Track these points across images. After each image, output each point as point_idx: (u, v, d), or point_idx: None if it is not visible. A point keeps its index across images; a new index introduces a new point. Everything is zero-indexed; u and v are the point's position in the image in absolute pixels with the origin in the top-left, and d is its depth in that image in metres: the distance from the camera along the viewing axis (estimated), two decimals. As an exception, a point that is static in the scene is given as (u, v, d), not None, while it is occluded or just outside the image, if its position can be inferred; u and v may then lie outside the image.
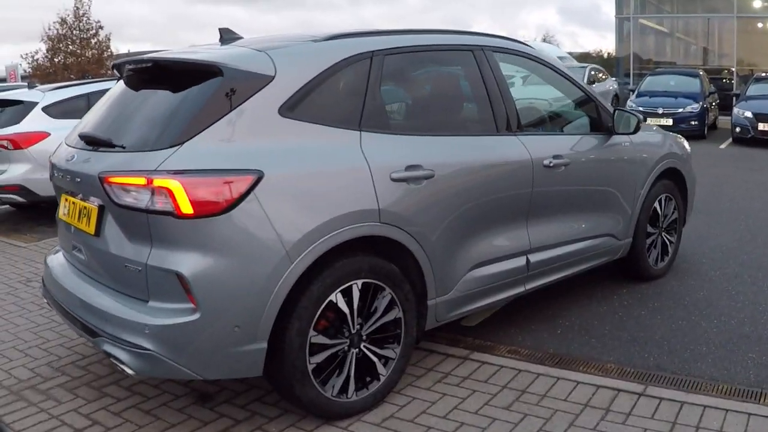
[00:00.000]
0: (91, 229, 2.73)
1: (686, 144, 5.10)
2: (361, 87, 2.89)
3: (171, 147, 2.46)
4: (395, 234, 2.84)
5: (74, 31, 38.70)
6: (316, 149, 2.68)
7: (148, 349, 2.43)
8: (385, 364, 2.93)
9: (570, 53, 25.99)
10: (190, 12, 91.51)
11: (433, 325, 3.18)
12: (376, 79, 2.95)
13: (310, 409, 2.73)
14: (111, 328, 2.55)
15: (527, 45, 3.88)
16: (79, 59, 39.10)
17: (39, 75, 38.90)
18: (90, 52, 39.50)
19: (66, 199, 2.98)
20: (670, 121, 12.86)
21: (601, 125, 4.10)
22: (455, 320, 3.80)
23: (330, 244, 2.62)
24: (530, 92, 4.67)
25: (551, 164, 3.57)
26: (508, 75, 3.69)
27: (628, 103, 14.26)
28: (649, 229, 4.56)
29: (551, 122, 4.32)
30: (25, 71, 39.19)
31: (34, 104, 6.55)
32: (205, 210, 2.40)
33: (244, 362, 2.52)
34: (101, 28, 39.05)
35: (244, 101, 2.57)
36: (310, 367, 2.65)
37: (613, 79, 19.94)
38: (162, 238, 2.45)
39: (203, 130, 2.49)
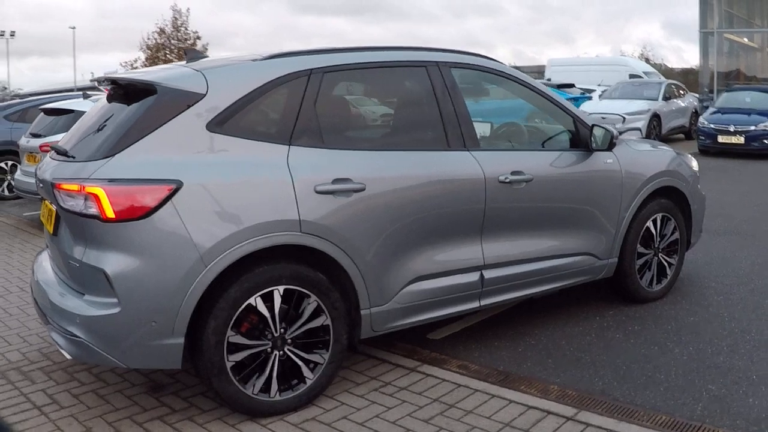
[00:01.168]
0: (51, 230, 3.03)
1: (693, 163, 4.81)
2: (296, 103, 3.00)
3: (104, 158, 2.68)
4: (318, 244, 2.91)
5: (172, 41, 40.08)
6: (240, 162, 2.81)
7: (79, 337, 2.67)
8: (312, 369, 3.00)
9: (673, 68, 24.86)
10: (295, 23, 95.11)
11: (369, 334, 3.21)
12: (312, 96, 3.05)
13: (231, 404, 2.84)
14: (57, 317, 2.81)
15: (494, 60, 3.85)
16: None
17: None
18: None
19: (43, 203, 3.32)
20: (741, 139, 11.97)
21: (579, 141, 3.99)
22: (422, 332, 3.90)
23: (246, 251, 2.74)
24: (500, 109, 4.59)
25: (507, 180, 3.51)
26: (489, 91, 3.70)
27: (700, 119, 13.43)
28: (641, 249, 4.36)
29: (518, 138, 4.20)
30: None
31: (82, 113, 7.22)
32: (126, 215, 2.59)
33: (163, 355, 2.68)
34: (198, 38, 39.66)
35: (174, 117, 2.76)
36: (228, 365, 2.76)
37: (695, 95, 18.83)
38: (93, 239, 2.69)
39: (133, 144, 2.70)
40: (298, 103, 3.00)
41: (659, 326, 4.00)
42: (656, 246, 4.42)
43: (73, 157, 2.85)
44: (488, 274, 3.52)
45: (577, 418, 2.86)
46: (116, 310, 2.61)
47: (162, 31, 39.67)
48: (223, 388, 2.78)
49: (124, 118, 2.81)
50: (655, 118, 14.82)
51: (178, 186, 2.64)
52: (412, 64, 3.45)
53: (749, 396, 3.05)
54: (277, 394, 2.91)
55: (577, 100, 16.98)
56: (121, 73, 3.22)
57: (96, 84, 3.36)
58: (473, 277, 3.47)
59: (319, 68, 3.11)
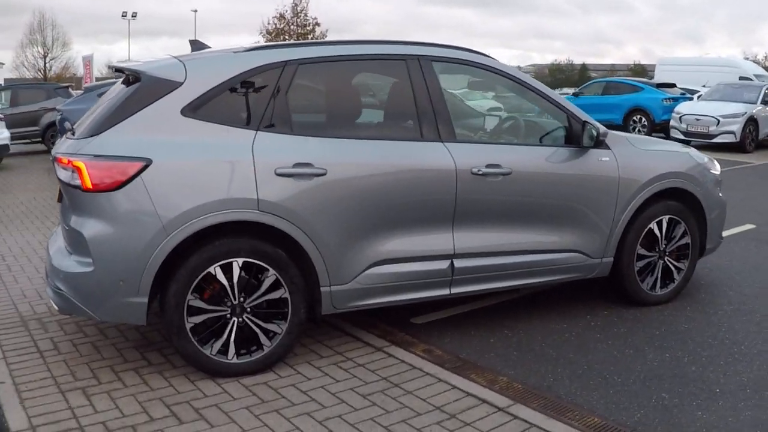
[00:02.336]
0: (58, 198, 3.44)
1: (713, 166, 4.49)
2: (267, 92, 3.17)
3: (91, 136, 3.02)
4: (276, 222, 3.07)
5: (292, 27, 40.72)
6: (207, 144, 3.02)
7: (62, 290, 3.05)
8: (271, 338, 3.19)
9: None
10: (423, 12, 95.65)
11: (331, 311, 3.34)
12: (285, 85, 3.20)
13: (190, 362, 3.10)
14: (51, 274, 3.18)
15: (485, 56, 3.82)
16: None
17: None
18: None
19: None
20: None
21: (572, 138, 3.88)
22: (407, 316, 3.99)
23: (204, 224, 2.95)
24: (490, 102, 4.50)
25: (480, 172, 3.50)
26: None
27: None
28: (643, 251, 4.16)
29: (503, 132, 4.10)
30: None
31: None
32: (102, 186, 2.89)
33: (130, 311, 2.97)
34: (318, 24, 39.96)
35: (153, 102, 3.01)
36: (188, 325, 3.01)
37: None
38: (77, 206, 3.02)
39: (116, 124, 2.98)
40: (270, 92, 3.18)
41: (647, 330, 3.82)
42: (661, 249, 4.21)
43: (74, 135, 3.23)
44: (459, 263, 3.55)
45: (509, 410, 2.84)
46: (91, 268, 2.93)
47: (282, 17, 40.36)
48: (183, 347, 3.05)
49: (114, 102, 3.13)
50: (752, 122, 13.63)
51: (147, 163, 2.92)
52: (391, 58, 3.52)
53: (700, 409, 2.88)
54: (235, 357, 3.13)
55: (676, 100, 16.02)
56: (124, 63, 3.56)
57: (113, 71, 3.74)
58: (443, 264, 3.51)
59: (294, 60, 3.27)
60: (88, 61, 32.41)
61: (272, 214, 3.07)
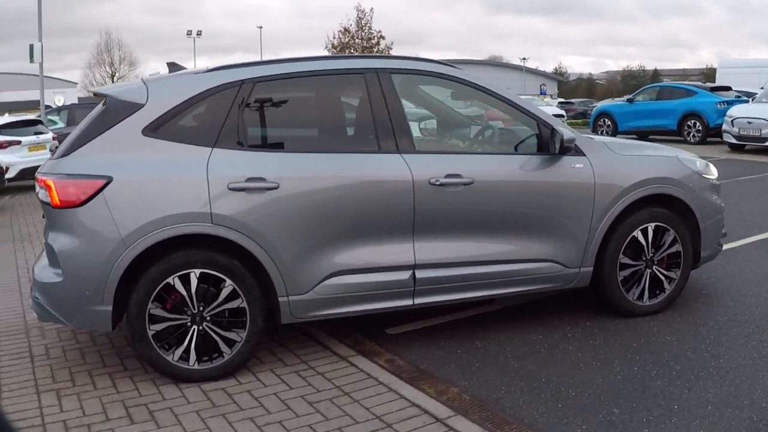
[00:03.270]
0: (42, 215, 3.71)
1: (707, 170, 4.23)
2: (224, 111, 3.28)
3: (62, 156, 3.26)
4: (229, 235, 3.16)
5: (356, 40, 41.10)
6: (165, 162, 3.16)
7: (38, 299, 3.27)
8: (231, 346, 3.29)
9: None
10: (491, 22, 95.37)
11: (290, 320, 3.39)
12: (240, 104, 3.31)
13: (153, 367, 3.23)
14: (33, 285, 3.41)
15: (450, 66, 3.78)
16: None
17: None
18: None
19: None
20: None
21: (543, 145, 3.78)
22: (383, 326, 4.00)
23: (161, 237, 3.08)
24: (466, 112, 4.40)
25: (438, 182, 3.48)
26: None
27: None
28: (627, 260, 3.98)
29: (470, 142, 4.02)
30: None
31: None
32: (68, 203, 3.09)
33: (96, 318, 3.13)
34: (382, 37, 40.14)
35: (116, 123, 3.19)
36: (149, 333, 3.16)
37: None
38: (50, 221, 3.24)
39: (84, 145, 3.20)
40: (227, 110, 3.30)
41: (624, 342, 3.65)
42: (648, 258, 4.03)
43: (52, 155, 3.48)
44: (421, 273, 3.53)
45: (447, 421, 2.79)
46: (61, 279, 3.13)
47: (346, 31, 40.98)
48: (145, 353, 3.20)
49: (86, 124, 3.35)
50: (803, 125, 12.69)
51: (108, 181, 3.10)
52: (348, 72, 3.57)
53: (648, 426, 2.71)
54: (196, 363, 3.25)
55: (731, 104, 15.17)
56: (101, 87, 3.80)
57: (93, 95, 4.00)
58: (404, 275, 3.50)
59: (250, 79, 3.38)
60: None
61: (225, 226, 3.18)
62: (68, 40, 77.80)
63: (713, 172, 4.29)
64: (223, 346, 3.28)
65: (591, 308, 4.15)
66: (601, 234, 3.82)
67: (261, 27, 60.75)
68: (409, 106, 3.88)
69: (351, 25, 40.75)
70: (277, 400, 3.07)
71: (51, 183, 3.13)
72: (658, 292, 4.08)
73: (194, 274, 3.19)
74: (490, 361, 3.48)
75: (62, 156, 3.22)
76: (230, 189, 3.19)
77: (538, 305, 4.31)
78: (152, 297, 3.15)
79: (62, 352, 3.70)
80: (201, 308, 3.23)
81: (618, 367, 3.32)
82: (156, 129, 3.23)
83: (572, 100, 40.57)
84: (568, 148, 3.65)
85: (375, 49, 42.07)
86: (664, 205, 4.02)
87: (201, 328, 3.24)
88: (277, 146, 3.40)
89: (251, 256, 3.25)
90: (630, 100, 17.99)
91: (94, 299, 3.12)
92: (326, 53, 40.61)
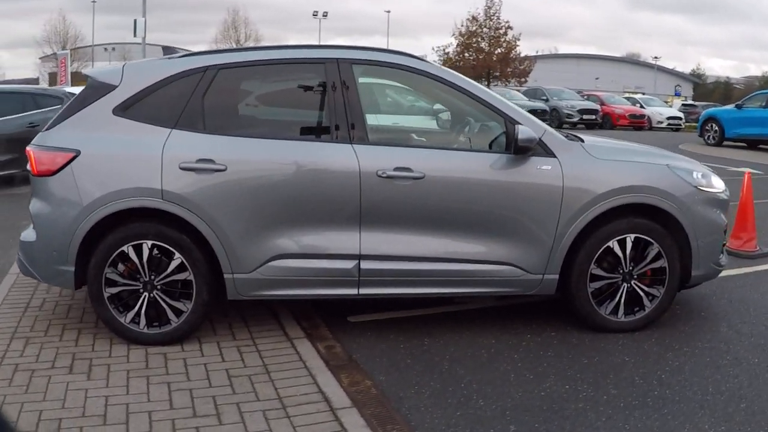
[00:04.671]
0: None
1: (704, 182, 3.77)
2: (186, 95, 3.41)
3: (46, 131, 3.58)
4: (177, 211, 3.29)
5: (484, 29, 40.46)
6: (128, 140, 3.36)
7: (20, 256, 3.64)
8: (178, 315, 3.46)
9: None
10: (632, 18, 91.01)
11: (236, 297, 3.48)
12: (203, 89, 3.42)
13: (107, 326, 3.45)
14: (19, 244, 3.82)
15: (415, 58, 3.63)
16: (486, 56, 39.94)
17: (449, 68, 43.22)
18: (498, 51, 40.93)
19: None
20: None
21: (509, 144, 3.56)
22: (347, 313, 4.02)
23: (116, 208, 3.28)
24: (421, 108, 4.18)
25: (385, 175, 3.40)
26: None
27: None
28: (599, 271, 3.66)
29: (429, 136, 3.85)
30: (435, 62, 44.12)
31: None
32: (43, 172, 3.38)
33: (62, 277, 3.41)
34: (510, 28, 39.71)
35: (92, 102, 3.44)
36: (105, 294, 3.40)
37: None
38: (33, 188, 3.61)
39: (63, 121, 3.51)
40: (189, 94, 3.44)
41: (574, 358, 3.38)
42: (625, 271, 3.69)
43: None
44: (366, 264, 3.48)
45: (338, 412, 2.75)
46: (34, 239, 3.48)
47: (474, 19, 40.52)
48: (101, 313, 3.46)
49: (70, 102, 3.66)
50: None
51: (76, 154, 3.36)
52: (310, 61, 3.58)
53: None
54: (146, 327, 3.46)
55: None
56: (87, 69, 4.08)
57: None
58: (348, 264, 3.48)
59: (214, 65, 3.49)
60: None
61: (174, 203, 3.34)
62: (198, 15, 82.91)
63: (716, 185, 3.82)
64: (170, 314, 3.47)
65: (565, 319, 3.89)
66: (569, 241, 3.56)
67: (389, 11, 60.30)
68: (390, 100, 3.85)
69: (479, 13, 40.09)
70: (203, 370, 3.20)
71: (31, 153, 3.46)
72: (636, 309, 3.74)
73: (146, 245, 3.39)
74: (424, 360, 3.38)
75: (47, 130, 3.55)
76: (181, 168, 3.34)
77: (523, 308, 4.09)
78: (108, 262, 3.39)
79: (53, 306, 4.08)
80: (152, 277, 3.43)
81: (549, 382, 3.10)
82: (125, 109, 3.45)
83: (696, 103, 37.48)
84: (524, 149, 3.42)
85: (502, 40, 41.28)
86: (650, 216, 3.66)
87: (152, 295, 3.45)
88: (231, 130, 3.49)
89: (199, 233, 3.40)
90: (739, 106, 16.29)
91: (60, 259, 3.41)
92: (453, 41, 40.06)
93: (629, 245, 3.63)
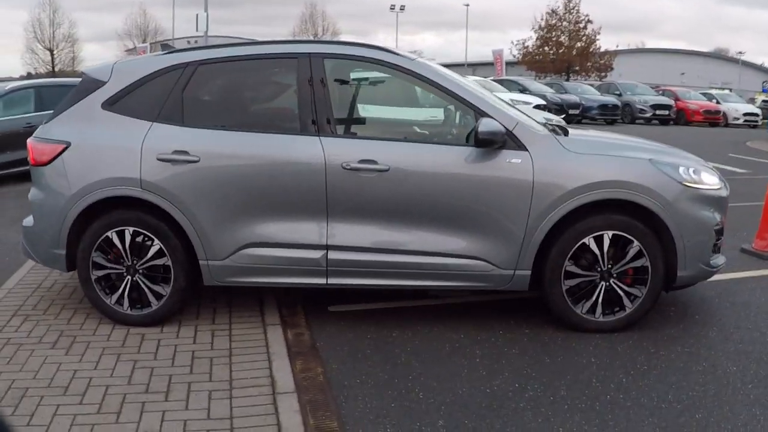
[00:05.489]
0: None
1: (694, 179, 3.53)
2: (167, 90, 3.57)
3: (45, 124, 3.86)
4: (153, 199, 3.47)
5: (563, 23, 40.00)
6: (113, 132, 3.56)
7: (23, 239, 3.95)
8: (158, 298, 3.67)
9: None
10: (722, 12, 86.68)
11: (212, 283, 3.63)
12: (182, 84, 3.57)
13: (95, 307, 3.68)
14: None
15: (388, 52, 3.60)
16: (566, 50, 39.42)
17: (527, 62, 40.72)
18: (578, 45, 40.12)
19: None
20: None
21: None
22: (328, 302, 4.08)
23: (100, 196, 3.50)
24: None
25: (349, 167, 3.42)
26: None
27: None
28: (574, 269, 3.52)
29: (399, 128, 3.82)
30: (514, 56, 41.10)
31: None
32: (39, 162, 3.66)
33: (55, 260, 3.68)
34: (590, 22, 39.25)
35: (84, 97, 3.69)
36: (93, 277, 3.63)
37: None
38: (32, 177, 3.90)
39: (59, 114, 3.78)
40: (170, 89, 3.60)
41: (536, 357, 3.28)
42: (604, 269, 3.53)
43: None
44: (334, 255, 3.53)
45: (279, 397, 2.85)
46: (32, 224, 3.77)
47: (554, 12, 39.93)
48: (89, 294, 3.70)
49: (67, 96, 3.93)
50: None
51: (67, 145, 3.60)
52: (284, 56, 3.65)
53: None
54: (129, 309, 3.68)
55: None
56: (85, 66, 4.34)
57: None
58: (317, 254, 3.54)
59: (194, 61, 3.64)
60: None
61: (151, 192, 3.52)
62: (276, 8, 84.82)
63: (706, 182, 3.58)
64: (151, 298, 3.66)
65: (550, 318, 3.78)
66: (540, 237, 3.46)
67: (468, 5, 58.86)
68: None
69: (559, 6, 39.31)
70: (171, 351, 3.37)
71: (30, 144, 3.75)
72: (617, 309, 3.58)
73: (128, 231, 3.59)
74: (384, 351, 3.40)
75: (46, 123, 3.83)
76: (158, 159, 3.51)
77: (506, 304, 4.01)
78: (95, 247, 3.62)
79: (61, 288, 4.39)
80: (134, 261, 3.63)
81: (500, 380, 3.03)
82: (113, 103, 3.66)
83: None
84: (485, 141, 3.34)
85: (581, 33, 40.49)
86: (631, 213, 3.49)
87: (134, 279, 3.65)
88: (207, 124, 3.63)
89: (175, 221, 3.57)
90: None
91: (52, 243, 3.68)
92: (533, 35, 39.43)
93: (606, 242, 3.48)
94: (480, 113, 3.46)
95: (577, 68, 41.04)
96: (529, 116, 3.97)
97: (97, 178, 3.55)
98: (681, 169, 3.55)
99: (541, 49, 41.19)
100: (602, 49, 40.61)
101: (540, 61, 41.06)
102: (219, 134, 3.56)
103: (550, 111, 21.24)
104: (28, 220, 3.83)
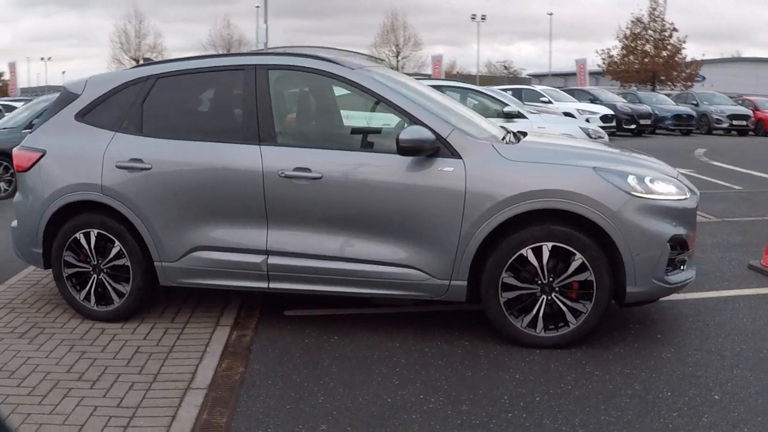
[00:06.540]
0: None
1: (647, 188, 3.29)
2: (129, 102, 3.85)
3: (30, 133, 4.23)
4: (113, 203, 3.75)
5: (648, 31, 38.45)
6: (81, 141, 3.88)
7: (12, 241, 4.34)
8: (120, 297, 3.91)
9: None
10: None
11: (166, 283, 3.85)
12: (142, 96, 3.84)
13: (68, 302, 4.01)
14: None
15: (329, 62, 3.65)
16: (650, 60, 37.84)
17: (611, 72, 39.45)
18: (663, 54, 38.39)
19: None
20: None
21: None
22: (285, 306, 4.16)
23: (69, 200, 3.82)
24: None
25: (284, 174, 3.49)
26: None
27: None
28: (512, 281, 3.39)
29: (334, 136, 3.89)
30: (598, 66, 40.16)
31: None
32: (21, 168, 4.05)
33: (34, 258, 4.05)
34: (675, 30, 37.83)
35: (61, 110, 4.04)
36: (64, 274, 3.96)
37: None
38: (18, 183, 4.27)
39: (42, 125, 4.14)
40: (132, 101, 3.88)
41: (460, 371, 3.21)
42: (544, 282, 3.37)
43: None
44: (274, 260, 3.63)
45: (189, 391, 2.99)
46: (16, 224, 4.15)
47: (638, 21, 38.72)
48: (61, 290, 4.02)
49: (48, 109, 4.28)
50: None
51: (43, 153, 3.96)
52: (232, 68, 3.82)
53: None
54: (95, 305, 3.96)
55: None
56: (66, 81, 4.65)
57: None
58: (257, 259, 3.65)
59: (153, 75, 3.89)
60: (437, 61, 35.71)
61: (111, 197, 3.79)
62: (368, 18, 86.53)
63: (661, 192, 3.36)
64: (113, 295, 3.93)
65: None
66: (474, 246, 3.38)
67: (551, 14, 57.29)
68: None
69: (643, 14, 37.96)
70: (119, 345, 3.60)
71: (14, 153, 4.14)
72: (561, 324, 3.41)
73: (93, 233, 3.88)
74: (311, 355, 3.45)
75: (31, 132, 4.20)
76: (117, 167, 3.78)
77: (469, 315, 3.93)
78: (65, 247, 3.94)
79: (53, 282, 4.76)
80: (99, 261, 3.91)
81: (407, 390, 3.01)
82: (84, 115, 3.98)
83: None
84: (407, 150, 3.31)
85: (666, 42, 38.83)
86: (575, 224, 3.32)
87: (99, 277, 3.92)
88: (161, 133, 3.85)
89: (132, 224, 3.80)
90: None
91: (31, 242, 4.04)
92: (617, 44, 38.50)
93: (546, 254, 3.34)
94: (413, 120, 3.44)
95: (662, 78, 39.01)
96: (481, 123, 3.89)
97: (66, 184, 3.86)
98: (630, 178, 3.35)
99: (625, 59, 39.52)
100: (688, 59, 38.33)
101: (624, 71, 39.30)
102: (171, 143, 3.77)
103: (619, 121, 20.42)
104: (14, 222, 4.21)
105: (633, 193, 3.32)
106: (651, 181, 3.40)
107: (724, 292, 4.28)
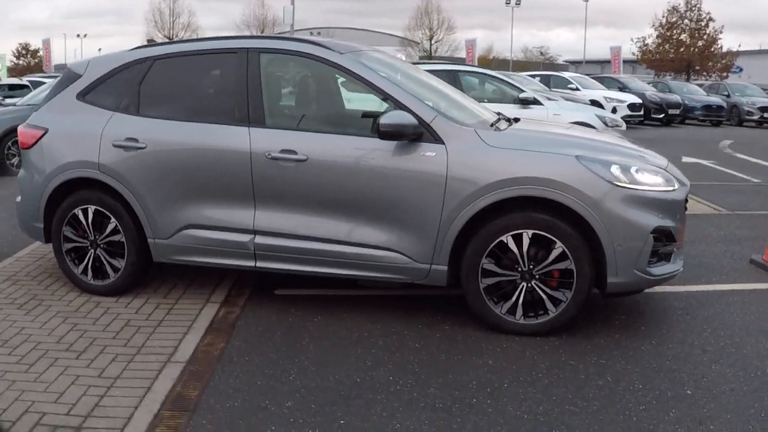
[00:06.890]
0: None
1: (624, 176, 3.24)
2: (127, 82, 3.95)
3: (36, 112, 4.35)
4: (109, 180, 3.86)
5: (684, 20, 38.28)
6: (80, 120, 4.00)
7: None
8: (115, 272, 4.04)
9: None
10: None
11: (159, 259, 3.96)
12: (140, 77, 3.93)
13: (66, 276, 4.15)
14: None
15: (318, 46, 3.66)
16: (685, 50, 37.58)
17: (646, 60, 39.25)
18: (699, 44, 38.04)
19: None
20: None
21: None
22: (275, 285, 4.22)
23: (68, 176, 3.95)
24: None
25: (270, 156, 3.54)
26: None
27: None
28: (493, 267, 3.39)
29: (322, 119, 3.89)
30: (633, 54, 39.65)
31: None
32: (25, 145, 4.20)
33: (36, 232, 4.21)
34: (711, 20, 37.48)
35: (64, 89, 4.16)
36: (64, 248, 4.11)
37: None
38: (22, 159, 4.41)
39: (46, 103, 4.26)
40: (130, 82, 3.97)
41: (434, 355, 3.24)
42: (524, 269, 3.35)
43: None
44: (260, 239, 3.70)
45: (167, 366, 3.08)
46: (20, 199, 4.30)
47: (674, 10, 38.28)
48: (61, 264, 4.17)
49: (52, 88, 4.39)
50: None
51: (45, 131, 4.09)
52: (226, 51, 3.87)
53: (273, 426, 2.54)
54: (92, 279, 4.09)
55: None
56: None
57: None
58: (245, 238, 3.73)
59: (150, 57, 3.96)
60: (471, 45, 35.10)
61: (107, 174, 3.90)
62: (393, 2, 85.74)
63: (645, 182, 3.30)
64: (109, 270, 4.06)
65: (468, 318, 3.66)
66: (455, 232, 3.39)
67: (587, 0, 55.59)
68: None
69: (679, 4, 37.29)
70: (110, 318, 3.73)
71: (19, 130, 4.27)
72: (541, 312, 3.40)
73: (90, 209, 4.01)
74: (293, 334, 3.53)
75: (36, 111, 4.33)
76: (113, 146, 3.88)
77: (453, 300, 3.95)
78: (64, 222, 4.08)
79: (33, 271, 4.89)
80: (96, 236, 4.03)
81: (378, 372, 3.07)
82: (85, 95, 4.09)
83: None
84: (386, 134, 3.32)
85: (702, 32, 38.05)
86: (556, 212, 3.29)
87: (96, 252, 4.05)
88: (157, 114, 3.93)
89: (127, 201, 3.90)
90: None
91: (33, 217, 4.19)
92: (653, 32, 37.97)
93: (526, 242, 3.32)
94: (398, 105, 3.44)
95: (697, 68, 38.13)
96: (473, 109, 3.86)
97: (66, 161, 3.98)
98: (613, 168, 3.30)
99: (661, 47, 38.69)
100: (724, 49, 37.32)
101: (659, 60, 38.45)
102: (165, 123, 3.85)
103: (648, 110, 19.95)
104: (19, 198, 4.36)
105: (616, 182, 3.27)
106: (637, 171, 3.35)
107: (720, 286, 4.20)
